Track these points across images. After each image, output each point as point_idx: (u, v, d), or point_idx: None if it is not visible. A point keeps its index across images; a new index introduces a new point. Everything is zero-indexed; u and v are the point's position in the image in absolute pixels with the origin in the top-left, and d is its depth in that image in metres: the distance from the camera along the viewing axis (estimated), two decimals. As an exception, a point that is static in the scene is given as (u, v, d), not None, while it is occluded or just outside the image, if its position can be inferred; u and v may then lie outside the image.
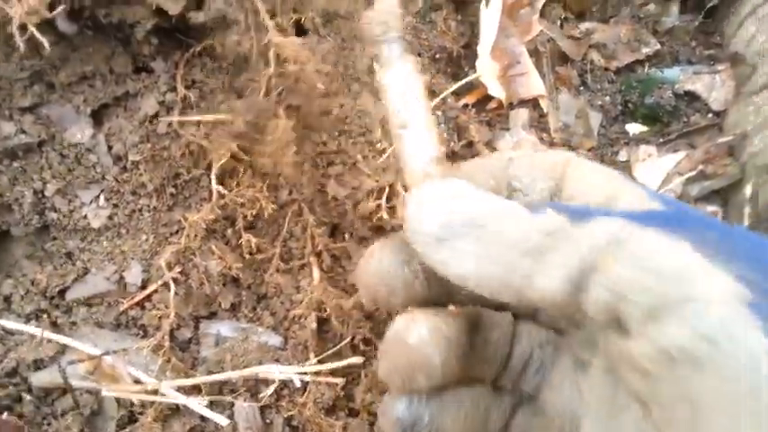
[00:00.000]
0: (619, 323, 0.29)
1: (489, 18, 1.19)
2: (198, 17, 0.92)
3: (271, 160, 0.86)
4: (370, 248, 0.37)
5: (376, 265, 0.36)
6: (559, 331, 0.40)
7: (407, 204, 0.34)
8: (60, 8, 0.71)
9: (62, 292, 0.96)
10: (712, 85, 1.24)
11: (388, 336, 0.36)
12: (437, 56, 1.22)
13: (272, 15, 1.03)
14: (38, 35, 0.66)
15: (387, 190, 1.12)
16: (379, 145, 1.15)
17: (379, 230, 1.12)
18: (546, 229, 0.30)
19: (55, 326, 0.95)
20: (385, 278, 0.36)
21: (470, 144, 1.24)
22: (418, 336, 0.34)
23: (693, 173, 1.08)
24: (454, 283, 0.32)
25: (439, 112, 1.23)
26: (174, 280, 0.96)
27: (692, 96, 1.25)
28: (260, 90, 0.86)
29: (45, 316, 0.94)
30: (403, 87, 0.38)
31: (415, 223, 0.33)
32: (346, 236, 1.12)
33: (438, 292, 0.37)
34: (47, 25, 0.82)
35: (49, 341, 0.91)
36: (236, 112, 0.87)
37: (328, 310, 1.01)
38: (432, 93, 1.24)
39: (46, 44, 0.66)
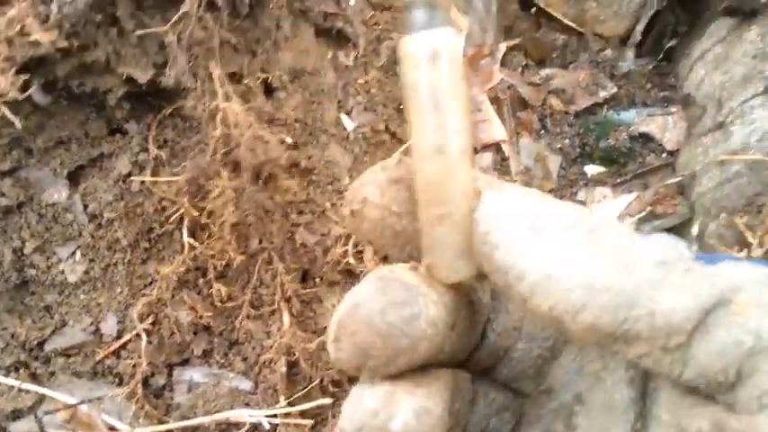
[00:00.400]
0: (732, 382, 0.26)
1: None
2: (168, 81, 0.99)
3: (214, 217, 0.92)
4: (363, 292, 0.29)
5: (378, 319, 0.28)
6: (519, 393, 0.36)
7: (486, 193, 0.30)
8: (33, 88, 0.77)
9: (41, 344, 1.01)
10: (665, 127, 1.30)
11: (353, 419, 0.28)
12: (401, 106, 1.29)
13: (240, 77, 1.11)
14: (9, 115, 0.72)
15: (353, 236, 1.18)
16: (346, 193, 1.21)
17: (349, 274, 1.17)
18: (663, 255, 0.27)
19: (34, 377, 0.99)
20: (389, 336, 0.28)
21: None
22: (403, 423, 0.28)
23: (643, 213, 1.13)
24: (525, 288, 0.27)
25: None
26: (147, 330, 1.01)
27: (646, 138, 1.30)
28: (207, 151, 0.92)
29: (24, 368, 0.99)
30: (434, 65, 0.30)
31: (499, 207, 0.29)
32: (317, 280, 1.17)
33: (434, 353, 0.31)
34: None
35: (28, 392, 0.96)
36: (184, 172, 0.93)
37: (297, 353, 1.06)
38: (398, 140, 1.30)
39: (17, 123, 0.72)
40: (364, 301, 0.28)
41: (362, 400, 0.29)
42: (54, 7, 0.84)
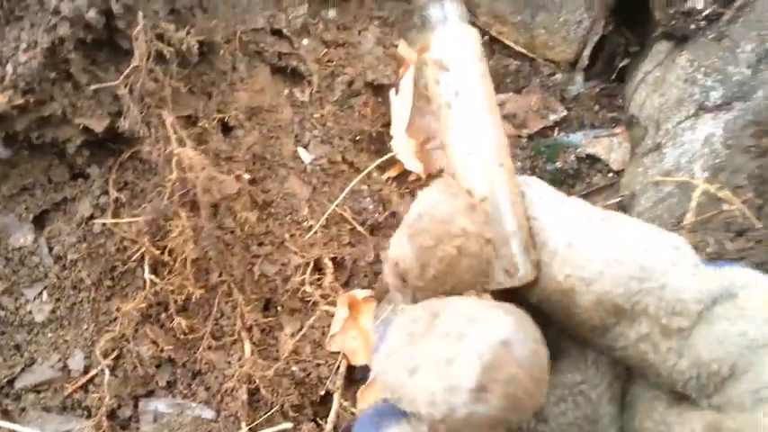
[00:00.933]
0: (724, 378, 0.26)
1: (400, 103, 1.32)
2: (123, 128, 1.05)
3: (175, 254, 0.97)
4: (508, 328, 0.25)
5: (530, 360, 0.25)
6: None
7: (528, 181, 0.32)
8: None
9: (11, 382, 1.06)
10: (611, 147, 1.35)
11: None
12: (357, 138, 1.34)
13: (196, 120, 1.17)
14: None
15: (311, 264, 1.23)
16: (305, 223, 1.26)
17: (308, 301, 1.22)
18: (677, 242, 0.28)
19: (6, 413, 1.05)
20: (541, 380, 0.26)
21: (394, 214, 1.36)
22: None
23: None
24: (546, 256, 0.29)
25: (364, 186, 1.34)
26: (113, 365, 1.06)
27: (593, 159, 1.36)
28: (165, 193, 0.97)
29: (-4, 405, 1.04)
30: (460, 53, 0.31)
31: (535, 186, 0.32)
32: (279, 308, 1.23)
33: None
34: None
35: (0, 428, 1.01)
36: (143, 214, 0.99)
37: (257, 380, 1.11)
38: (356, 170, 1.36)
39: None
40: (514, 340, 0.25)
41: None
42: (9, 68, 0.91)
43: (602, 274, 0.27)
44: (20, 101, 0.92)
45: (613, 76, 1.52)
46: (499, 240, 0.30)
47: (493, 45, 1.53)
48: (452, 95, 0.31)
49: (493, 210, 0.30)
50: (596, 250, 0.28)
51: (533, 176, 0.32)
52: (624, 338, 0.28)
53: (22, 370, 1.06)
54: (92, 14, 0.90)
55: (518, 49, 1.51)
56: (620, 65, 1.52)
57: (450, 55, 0.31)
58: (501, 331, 0.25)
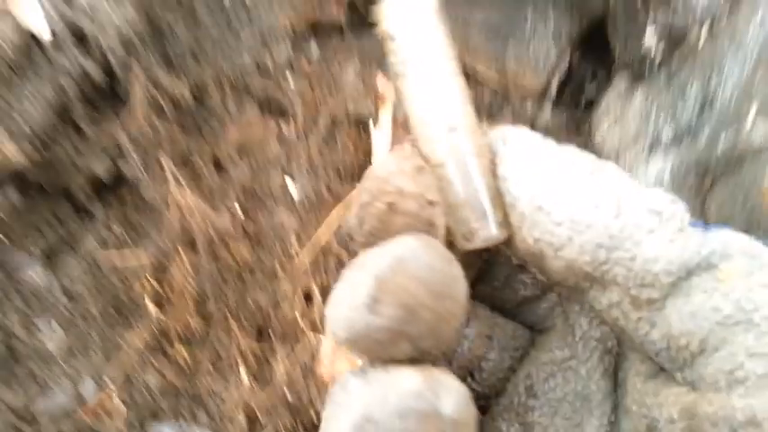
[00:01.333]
0: (694, 354, 0.25)
1: (380, 136, 1.41)
2: (125, 170, 1.13)
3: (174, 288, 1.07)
4: (405, 249, 0.26)
5: (428, 274, 0.26)
6: (486, 409, 0.34)
7: (502, 130, 0.31)
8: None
9: (27, 407, 1.15)
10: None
11: (396, 404, 0.25)
12: (341, 169, 1.44)
13: (188, 157, 1.25)
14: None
15: (301, 292, 1.33)
16: (294, 252, 1.36)
17: (298, 329, 1.32)
18: (659, 206, 0.27)
19: (22, 437, 1.14)
20: (439, 295, 0.26)
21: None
22: (456, 404, 0.26)
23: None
24: (515, 218, 0.28)
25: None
26: (120, 392, 1.15)
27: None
28: (164, 231, 1.07)
29: (14, 430, 1.13)
30: (405, 21, 0.31)
31: (507, 135, 0.31)
32: (271, 335, 1.32)
33: None
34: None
35: (16, 452, 1.10)
36: (144, 250, 1.09)
37: (253, 404, 1.21)
38: (341, 200, 1.45)
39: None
40: (410, 256, 0.26)
41: (398, 383, 0.25)
42: (21, 124, 0.99)
43: (570, 240, 0.26)
44: (35, 155, 1.00)
45: (582, 105, 1.62)
46: (456, 205, 0.30)
47: (466, 75, 1.63)
48: (401, 65, 0.31)
49: (451, 174, 0.30)
50: (567, 214, 0.26)
51: (519, 128, 0.31)
52: (598, 303, 0.28)
53: (37, 396, 1.15)
54: (94, 71, 0.99)
55: (489, 78, 1.60)
56: (589, 95, 1.62)
57: (396, 24, 0.31)
58: (398, 249, 0.26)
